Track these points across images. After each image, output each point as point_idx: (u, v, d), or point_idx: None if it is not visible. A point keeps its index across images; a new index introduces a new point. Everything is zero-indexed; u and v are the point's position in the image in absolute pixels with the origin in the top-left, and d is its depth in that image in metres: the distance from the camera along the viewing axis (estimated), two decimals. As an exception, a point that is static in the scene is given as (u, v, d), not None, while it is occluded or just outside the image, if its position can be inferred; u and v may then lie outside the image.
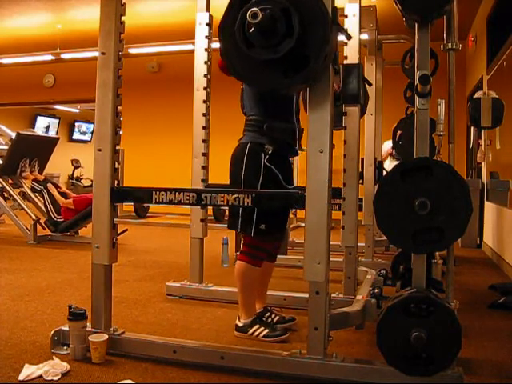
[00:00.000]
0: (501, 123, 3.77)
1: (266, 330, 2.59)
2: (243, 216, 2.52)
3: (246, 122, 2.62)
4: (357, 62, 3.06)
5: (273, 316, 2.79)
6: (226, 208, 2.69)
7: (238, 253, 2.69)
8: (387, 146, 5.91)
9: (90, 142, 14.54)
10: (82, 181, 13.39)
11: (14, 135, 6.32)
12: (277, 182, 2.51)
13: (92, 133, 14.23)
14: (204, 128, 3.34)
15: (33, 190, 6.17)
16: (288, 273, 4.24)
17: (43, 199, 6.05)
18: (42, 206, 6.13)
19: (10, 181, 6.36)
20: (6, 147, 6.43)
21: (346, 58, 3.14)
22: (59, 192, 6.12)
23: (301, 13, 1.82)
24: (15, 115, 12.35)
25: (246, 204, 2.17)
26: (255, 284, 2.67)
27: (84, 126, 14.94)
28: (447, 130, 2.22)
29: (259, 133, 2.51)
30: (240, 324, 2.64)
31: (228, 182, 2.67)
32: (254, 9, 1.77)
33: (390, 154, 6.02)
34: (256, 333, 2.59)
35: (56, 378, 2.00)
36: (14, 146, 6.20)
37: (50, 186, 6.09)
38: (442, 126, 2.30)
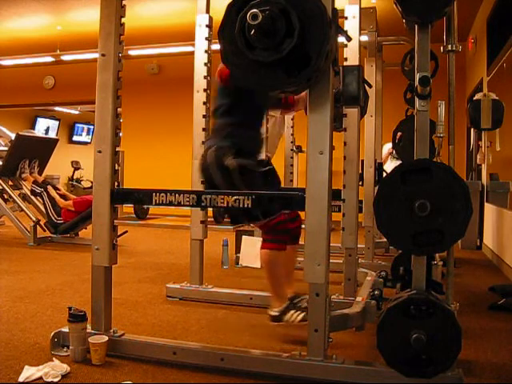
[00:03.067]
0: (501, 125, 3.77)
1: (302, 314, 2.52)
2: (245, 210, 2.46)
3: (222, 126, 2.63)
4: (357, 63, 3.06)
5: (302, 301, 2.74)
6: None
7: (262, 242, 2.65)
8: (387, 148, 5.92)
9: (89, 143, 14.55)
10: (81, 182, 13.40)
11: (13, 136, 6.32)
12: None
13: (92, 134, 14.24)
14: (204, 130, 3.34)
15: (33, 192, 6.17)
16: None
17: (43, 201, 6.05)
18: (42, 208, 6.13)
19: (10, 182, 6.36)
20: (5, 148, 6.43)
21: (345, 59, 3.13)
22: (59, 194, 6.12)
23: (299, 12, 1.83)
24: (15, 117, 12.36)
25: (246, 205, 2.17)
26: (282, 269, 2.62)
27: (85, 128, 14.96)
28: (447, 132, 2.22)
29: (234, 142, 2.51)
30: (274, 313, 2.59)
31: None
32: (254, 10, 1.78)
33: (391, 154, 6.03)
34: (292, 318, 2.54)
35: (56, 380, 2.00)
36: (14, 148, 6.20)
37: (49, 188, 6.09)
38: (442, 128, 2.30)
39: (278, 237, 2.57)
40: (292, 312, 2.56)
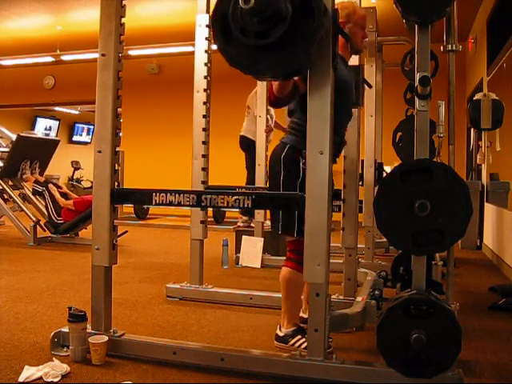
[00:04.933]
0: (501, 125, 3.77)
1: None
2: (284, 218, 2.44)
3: (289, 123, 2.55)
4: (357, 63, 3.06)
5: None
6: (227, 210, 2.70)
7: (285, 260, 2.55)
8: None
9: (89, 143, 14.55)
10: (81, 182, 13.39)
11: (14, 137, 6.32)
12: None
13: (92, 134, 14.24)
14: (204, 130, 3.34)
15: (34, 191, 6.17)
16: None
17: (44, 201, 6.05)
18: (43, 208, 6.14)
19: (10, 182, 6.36)
20: (6, 150, 6.43)
21: (345, 59, 3.13)
22: (60, 192, 6.12)
23: None
24: (15, 117, 12.36)
25: (246, 205, 2.17)
26: (300, 291, 2.56)
27: (85, 128, 14.97)
28: (447, 132, 2.22)
29: (301, 138, 2.35)
30: (281, 334, 2.48)
31: (227, 184, 2.67)
32: None
33: None
34: (297, 344, 2.42)
35: (56, 380, 2.00)
36: (15, 149, 6.20)
37: (51, 186, 6.09)
38: (442, 128, 2.30)
39: (301, 258, 2.48)
40: (299, 337, 2.44)
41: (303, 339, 2.39)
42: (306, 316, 2.72)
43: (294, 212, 2.35)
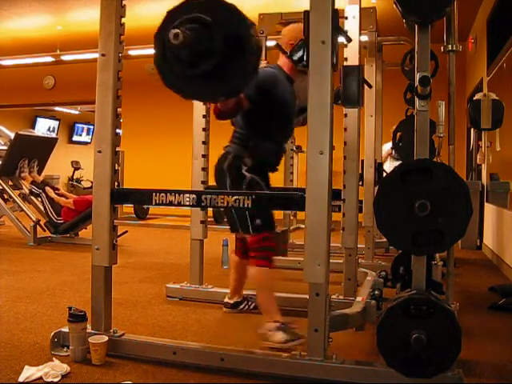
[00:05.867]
0: (501, 125, 3.76)
1: (287, 337, 2.49)
2: (238, 216, 2.62)
3: (233, 133, 2.73)
4: (357, 63, 3.06)
5: (249, 303, 3.11)
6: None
7: (250, 259, 2.69)
8: (387, 147, 5.92)
9: (89, 143, 14.55)
10: (81, 182, 13.38)
11: (12, 136, 6.32)
12: (258, 189, 2.60)
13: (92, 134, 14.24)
14: (204, 130, 3.34)
15: (31, 193, 6.16)
16: (288, 274, 4.24)
17: (42, 203, 6.05)
18: (42, 208, 6.13)
19: (10, 182, 6.36)
20: (5, 148, 6.43)
21: (346, 59, 3.14)
22: (58, 194, 6.11)
23: (225, 32, 1.89)
24: (15, 117, 12.34)
25: (246, 205, 2.18)
26: (274, 288, 2.67)
27: (85, 128, 14.96)
28: (447, 132, 2.22)
29: (243, 147, 2.65)
30: (262, 331, 2.56)
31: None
32: (176, 30, 1.82)
33: (390, 155, 6.03)
34: (277, 339, 2.50)
35: (56, 380, 2.00)
36: (13, 147, 6.19)
37: (48, 189, 6.09)
38: (442, 128, 2.30)
39: (263, 253, 2.61)
40: (281, 335, 2.49)
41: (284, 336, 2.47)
42: (231, 302, 3.14)
43: (244, 212, 2.55)
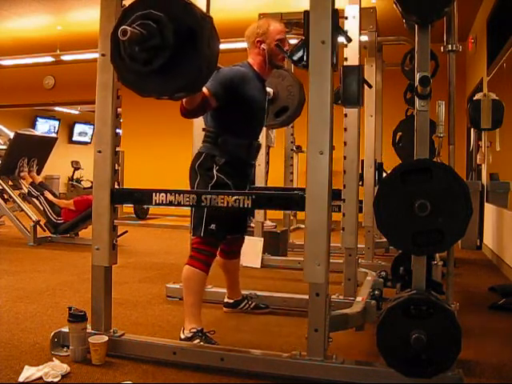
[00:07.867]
0: (501, 125, 3.77)
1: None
2: (195, 218, 2.58)
3: (205, 132, 2.72)
4: (357, 63, 3.06)
5: (250, 303, 3.12)
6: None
7: (188, 258, 2.61)
8: None
9: (89, 143, 14.54)
10: (81, 182, 13.38)
11: (12, 135, 6.31)
12: (226, 189, 2.55)
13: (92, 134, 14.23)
14: (204, 130, 3.33)
15: (29, 194, 6.16)
16: (288, 274, 4.25)
17: (41, 205, 6.05)
18: (41, 208, 6.12)
19: (10, 182, 6.35)
20: (4, 147, 6.42)
21: (346, 59, 3.14)
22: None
23: (175, 26, 1.88)
24: (15, 117, 12.35)
25: (246, 205, 2.17)
26: (202, 292, 2.61)
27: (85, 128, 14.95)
28: (447, 132, 2.22)
29: (213, 145, 2.63)
30: (182, 337, 2.49)
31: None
32: (124, 27, 1.82)
33: None
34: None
35: (56, 380, 2.00)
36: (13, 146, 6.18)
37: (46, 193, 6.10)
38: (442, 128, 2.30)
39: (202, 257, 2.56)
40: (197, 341, 2.43)
41: (201, 343, 2.42)
42: (231, 301, 3.15)
43: (203, 211, 2.51)
